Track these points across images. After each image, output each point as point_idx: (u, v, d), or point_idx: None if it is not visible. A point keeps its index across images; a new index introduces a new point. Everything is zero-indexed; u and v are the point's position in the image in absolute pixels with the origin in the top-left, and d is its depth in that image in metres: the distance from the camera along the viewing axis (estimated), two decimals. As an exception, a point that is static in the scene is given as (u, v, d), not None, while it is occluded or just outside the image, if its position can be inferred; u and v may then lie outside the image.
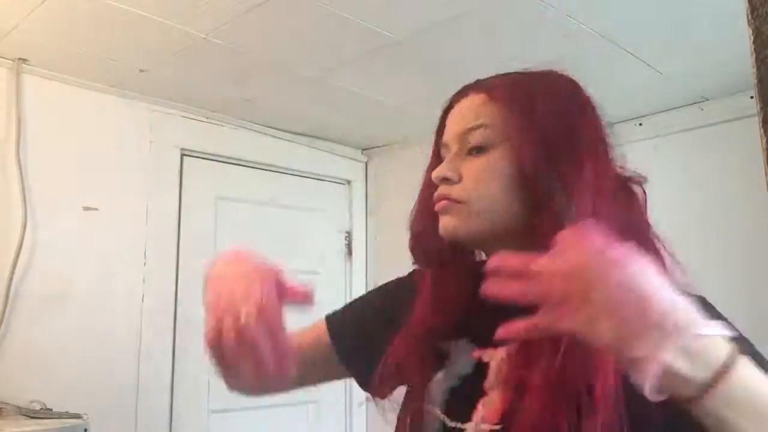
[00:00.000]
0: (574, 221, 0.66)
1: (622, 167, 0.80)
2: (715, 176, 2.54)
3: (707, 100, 2.53)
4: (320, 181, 2.96)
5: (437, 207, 0.75)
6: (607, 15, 1.81)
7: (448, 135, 0.78)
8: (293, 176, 2.89)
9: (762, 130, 0.52)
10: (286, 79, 2.26)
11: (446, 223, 0.75)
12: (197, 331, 2.56)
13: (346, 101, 2.42)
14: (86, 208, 2.24)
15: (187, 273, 2.49)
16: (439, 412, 0.74)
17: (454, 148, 0.77)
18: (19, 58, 2.09)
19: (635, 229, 0.74)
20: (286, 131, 2.82)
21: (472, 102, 0.77)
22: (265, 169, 2.81)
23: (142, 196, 2.38)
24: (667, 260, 0.75)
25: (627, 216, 0.74)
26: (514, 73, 0.80)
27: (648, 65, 2.15)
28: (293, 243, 2.81)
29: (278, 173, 2.85)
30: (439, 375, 0.77)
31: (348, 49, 1.99)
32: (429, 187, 0.79)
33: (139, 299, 2.32)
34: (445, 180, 0.75)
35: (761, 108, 0.52)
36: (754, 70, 0.53)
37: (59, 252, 2.15)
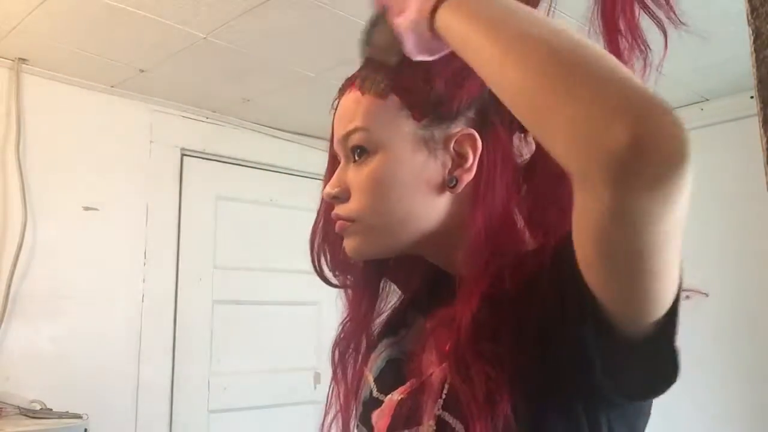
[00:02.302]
0: (490, 205, 0.62)
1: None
2: (715, 176, 2.54)
3: (707, 100, 2.53)
4: (320, 181, 2.96)
5: (336, 229, 0.68)
6: (607, 15, 1.81)
7: (334, 142, 0.71)
8: (293, 176, 2.89)
9: (762, 130, 0.52)
10: (286, 79, 2.26)
11: (348, 246, 0.68)
12: (197, 332, 2.56)
13: (346, 101, 2.41)
14: (86, 208, 2.24)
15: (187, 273, 2.49)
16: (372, 379, 0.72)
17: (341, 156, 0.69)
18: (19, 58, 2.09)
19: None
20: (286, 131, 2.82)
21: (347, 101, 0.69)
22: (265, 169, 2.81)
23: (142, 196, 2.38)
24: None
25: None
26: None
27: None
28: (293, 243, 2.80)
29: (278, 173, 2.85)
30: (384, 342, 0.75)
31: (347, 49, 1.99)
32: (324, 201, 0.73)
33: (139, 299, 2.33)
34: (335, 198, 0.68)
35: (761, 108, 0.52)
36: (754, 70, 0.53)
37: (59, 252, 2.15)
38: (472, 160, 0.63)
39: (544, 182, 0.66)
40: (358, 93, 0.67)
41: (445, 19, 0.52)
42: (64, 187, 2.19)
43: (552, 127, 0.45)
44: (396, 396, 0.64)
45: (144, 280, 2.34)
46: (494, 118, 0.64)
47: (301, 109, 2.58)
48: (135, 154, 2.39)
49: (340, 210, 0.67)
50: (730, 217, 2.47)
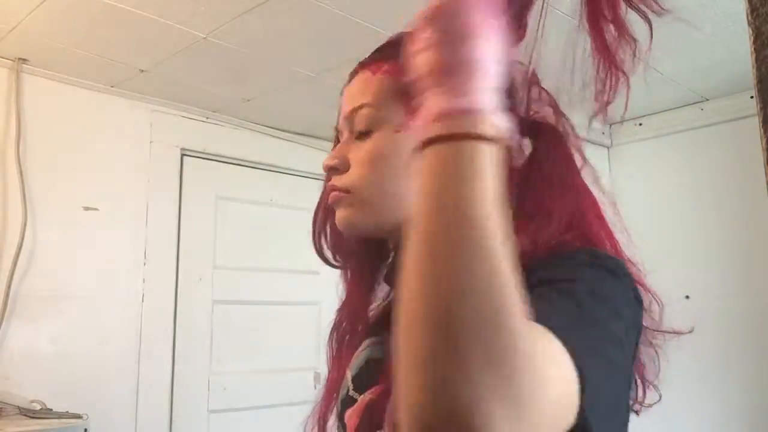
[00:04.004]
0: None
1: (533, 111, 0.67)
2: (715, 176, 2.54)
3: (707, 100, 2.53)
4: (320, 181, 2.95)
5: (329, 200, 0.69)
6: (607, 15, 1.81)
7: (339, 119, 0.72)
8: (293, 176, 2.89)
9: (762, 130, 0.52)
10: (285, 79, 2.26)
11: (338, 217, 0.68)
12: (197, 332, 2.56)
13: (346, 101, 2.42)
14: (86, 208, 2.24)
15: (187, 273, 2.49)
16: (350, 377, 0.72)
17: (345, 132, 0.71)
18: (19, 58, 2.09)
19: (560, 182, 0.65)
20: (286, 131, 2.82)
21: (358, 80, 0.70)
22: (265, 169, 2.81)
23: (142, 196, 2.38)
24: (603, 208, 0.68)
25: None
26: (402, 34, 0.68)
27: (648, 65, 2.15)
28: (293, 243, 2.81)
29: (278, 173, 2.85)
30: (366, 341, 0.75)
31: (347, 49, 1.99)
32: (326, 183, 0.74)
33: (139, 299, 2.33)
34: (332, 170, 0.69)
35: (761, 108, 0.52)
36: (754, 70, 0.53)
37: (59, 252, 2.15)
38: None
39: (535, 191, 0.65)
40: (369, 73, 0.69)
41: (429, 158, 0.44)
42: (64, 187, 2.20)
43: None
44: (367, 396, 0.65)
45: (144, 280, 2.35)
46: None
47: (301, 109, 2.58)
48: (135, 154, 2.39)
49: (336, 181, 0.69)
50: (730, 217, 2.47)
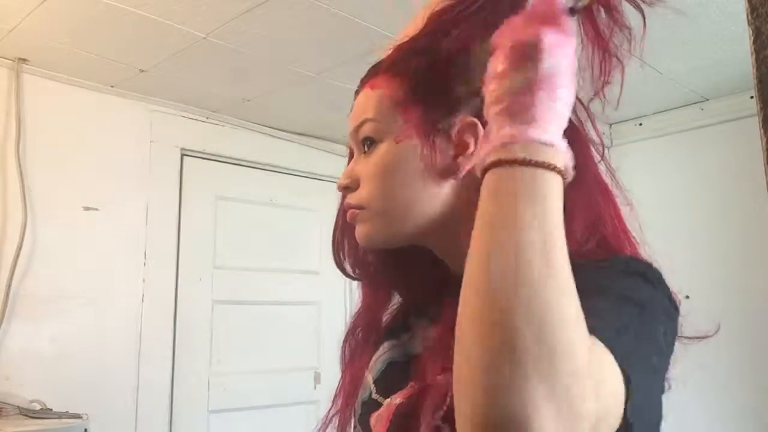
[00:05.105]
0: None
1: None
2: (715, 176, 2.54)
3: (707, 100, 2.53)
4: (320, 181, 2.96)
5: (347, 218, 0.71)
6: (607, 15, 1.81)
7: (349, 139, 0.73)
8: (293, 176, 2.89)
9: (762, 130, 0.52)
10: (285, 79, 2.26)
11: (358, 234, 0.70)
12: (197, 332, 2.57)
13: (346, 101, 2.40)
14: (86, 208, 2.24)
15: (187, 273, 2.49)
16: (371, 380, 0.73)
17: (354, 149, 0.72)
18: (19, 58, 2.09)
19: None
20: (286, 131, 2.82)
21: (360, 98, 0.72)
22: (265, 169, 2.81)
23: (142, 196, 2.38)
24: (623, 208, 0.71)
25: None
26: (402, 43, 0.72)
27: (648, 65, 2.15)
28: (293, 243, 2.81)
29: (278, 173, 2.85)
30: (386, 344, 0.75)
31: (347, 49, 1.99)
32: (341, 199, 0.76)
33: (139, 299, 2.33)
34: (345, 189, 0.71)
35: (761, 108, 0.52)
36: (754, 70, 0.53)
37: (59, 252, 2.15)
38: (474, 148, 0.64)
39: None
40: (368, 89, 0.70)
41: (490, 182, 0.47)
42: (64, 187, 2.20)
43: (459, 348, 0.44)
44: (396, 400, 0.64)
45: (144, 280, 2.35)
46: None
47: (301, 109, 2.58)
48: (135, 154, 2.39)
49: (350, 198, 0.70)
50: (730, 217, 2.47)
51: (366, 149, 0.69)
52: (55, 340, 2.10)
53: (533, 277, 0.41)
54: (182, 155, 2.55)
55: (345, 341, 0.80)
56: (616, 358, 0.45)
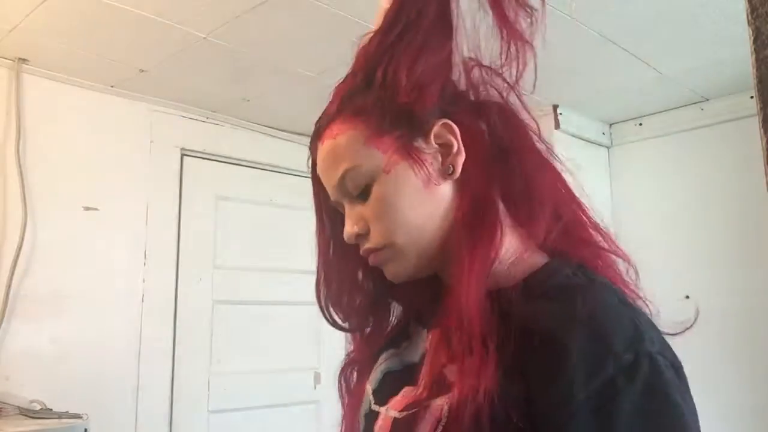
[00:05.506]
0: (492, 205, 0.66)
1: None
2: (716, 176, 2.54)
3: (707, 100, 2.53)
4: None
5: (371, 262, 0.70)
6: (607, 15, 1.81)
7: (331, 194, 0.72)
8: (293, 176, 2.89)
9: (762, 130, 0.52)
10: (285, 79, 2.26)
11: (388, 274, 0.70)
12: (197, 332, 2.56)
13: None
14: (86, 208, 2.24)
15: (187, 273, 2.49)
16: (370, 391, 0.73)
17: (343, 201, 0.71)
18: (19, 58, 2.09)
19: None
20: (286, 131, 2.82)
21: (325, 155, 0.70)
22: (265, 169, 2.81)
23: (142, 196, 2.38)
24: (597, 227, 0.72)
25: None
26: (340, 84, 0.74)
27: (648, 65, 2.15)
28: (293, 243, 2.81)
29: (278, 173, 2.85)
30: (384, 354, 0.76)
31: (347, 49, 1.99)
32: (325, 252, 0.76)
33: (139, 299, 2.33)
34: (359, 237, 0.69)
35: (761, 108, 0.52)
36: (754, 70, 0.53)
37: (59, 252, 2.15)
38: (457, 144, 0.67)
39: (518, 177, 0.68)
40: (330, 140, 0.69)
41: None
42: (64, 187, 2.19)
43: None
44: (391, 413, 0.65)
45: (144, 280, 2.34)
46: (454, 109, 0.68)
47: (301, 109, 2.58)
48: (135, 154, 2.39)
49: (369, 243, 0.69)
50: (730, 217, 2.47)
51: (359, 195, 0.68)
52: (55, 340, 2.10)
53: None
54: (182, 155, 2.55)
55: (340, 379, 0.80)
56: None
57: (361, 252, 0.70)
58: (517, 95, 0.69)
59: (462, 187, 0.67)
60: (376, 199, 0.67)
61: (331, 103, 0.72)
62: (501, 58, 0.67)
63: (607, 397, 0.52)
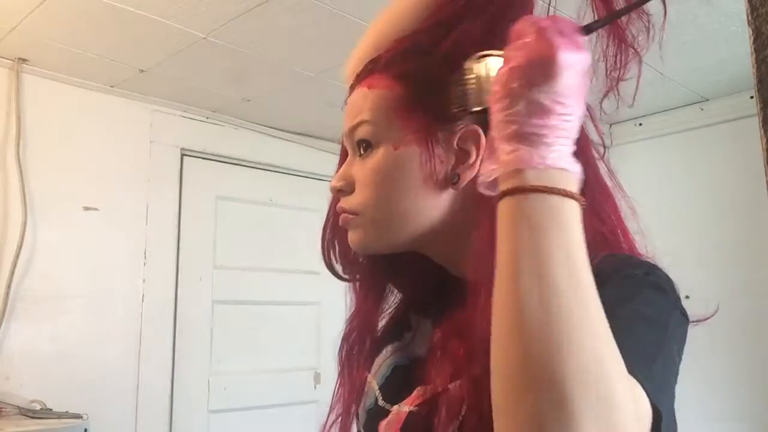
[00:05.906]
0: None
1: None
2: (715, 176, 2.54)
3: (707, 100, 2.54)
4: (320, 181, 2.96)
5: (340, 222, 0.68)
6: (607, 15, 1.81)
7: (344, 135, 0.70)
8: (293, 176, 2.89)
9: (762, 130, 0.52)
10: (285, 79, 2.26)
11: (350, 238, 0.68)
12: (197, 332, 2.56)
13: (346, 101, 2.42)
14: (86, 208, 2.24)
15: (187, 273, 2.49)
16: (376, 386, 0.71)
17: (349, 149, 0.69)
18: (19, 58, 2.09)
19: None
20: (286, 131, 2.82)
21: (356, 96, 0.68)
22: (265, 169, 2.81)
23: (142, 196, 2.38)
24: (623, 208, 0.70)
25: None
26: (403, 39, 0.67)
27: (648, 65, 2.15)
28: (293, 243, 2.81)
29: (278, 173, 2.85)
30: (389, 348, 0.74)
31: (347, 49, 1.99)
32: (333, 198, 0.73)
33: (139, 299, 2.33)
34: (339, 192, 0.68)
35: (761, 108, 0.52)
36: (754, 70, 0.53)
37: (59, 252, 2.15)
38: (475, 158, 0.62)
39: None
40: (365, 88, 0.66)
41: (508, 209, 0.46)
42: (64, 187, 2.19)
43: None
44: (405, 408, 0.63)
45: (144, 280, 2.34)
46: None
47: (301, 109, 2.58)
48: (135, 154, 2.39)
49: (344, 203, 0.67)
50: (730, 217, 2.47)
51: (362, 152, 0.66)
52: (55, 340, 2.10)
53: (574, 334, 0.41)
54: (182, 155, 2.55)
55: (341, 346, 0.78)
56: (648, 394, 0.45)
57: (336, 207, 0.69)
58: (589, 111, 0.65)
59: (483, 201, 0.57)
60: (372, 165, 0.64)
61: (386, 52, 0.67)
62: (604, 63, 0.61)
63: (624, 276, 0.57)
